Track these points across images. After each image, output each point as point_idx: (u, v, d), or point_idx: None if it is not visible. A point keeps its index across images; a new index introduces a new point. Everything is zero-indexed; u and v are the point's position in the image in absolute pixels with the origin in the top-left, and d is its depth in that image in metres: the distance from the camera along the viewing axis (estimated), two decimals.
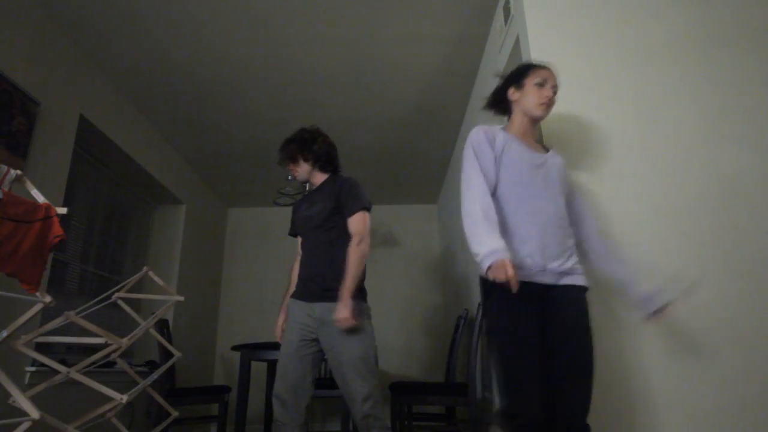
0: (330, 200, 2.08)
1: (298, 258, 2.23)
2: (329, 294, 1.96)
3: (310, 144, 2.17)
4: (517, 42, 2.32)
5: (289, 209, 5.45)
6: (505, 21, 2.48)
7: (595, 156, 1.99)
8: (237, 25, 2.81)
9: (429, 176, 4.96)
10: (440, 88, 3.45)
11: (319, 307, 1.97)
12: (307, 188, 2.32)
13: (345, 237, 2.04)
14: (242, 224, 5.69)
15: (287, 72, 3.25)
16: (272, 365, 3.84)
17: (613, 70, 2.11)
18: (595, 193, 1.94)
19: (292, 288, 2.18)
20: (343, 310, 1.87)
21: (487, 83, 3.01)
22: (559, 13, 2.19)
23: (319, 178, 2.20)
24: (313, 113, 3.76)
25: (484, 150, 1.57)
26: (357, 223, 2.04)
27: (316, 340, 1.99)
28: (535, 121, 1.68)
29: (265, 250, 5.57)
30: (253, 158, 4.51)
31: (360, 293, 2.01)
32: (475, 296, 3.40)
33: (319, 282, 2.01)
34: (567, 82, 2.07)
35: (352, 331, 1.91)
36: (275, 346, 3.15)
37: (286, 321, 2.11)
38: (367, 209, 2.08)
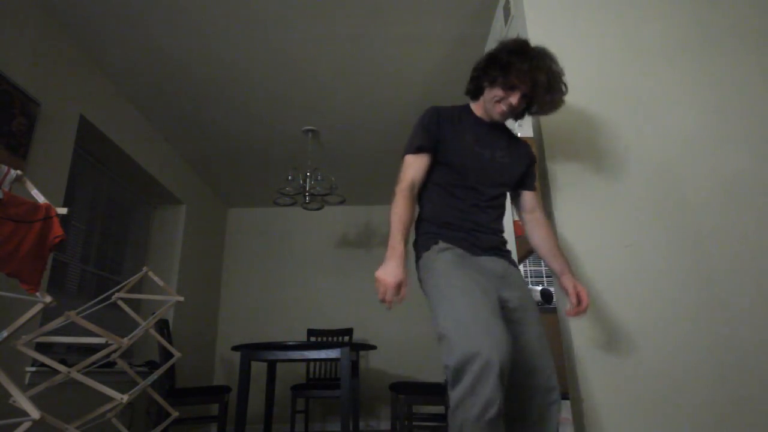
0: (524, 162, 1.71)
1: (417, 187, 1.68)
2: (514, 262, 1.66)
3: None
4: None
5: (289, 209, 5.44)
6: (505, 21, 2.48)
7: (595, 156, 1.99)
8: (237, 25, 2.81)
9: None
10: (440, 88, 3.45)
11: (515, 272, 1.60)
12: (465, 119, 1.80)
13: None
14: (242, 224, 5.69)
15: (287, 72, 3.25)
16: (272, 365, 3.84)
17: (613, 70, 2.11)
18: (594, 193, 1.94)
19: (411, 219, 1.56)
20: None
21: None
22: (559, 13, 2.19)
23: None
24: (312, 113, 3.76)
25: None
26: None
27: None
28: None
29: (265, 250, 5.57)
30: (253, 158, 4.51)
31: None
32: None
33: (505, 245, 1.66)
34: (567, 82, 2.07)
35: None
36: (275, 346, 3.14)
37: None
38: None
